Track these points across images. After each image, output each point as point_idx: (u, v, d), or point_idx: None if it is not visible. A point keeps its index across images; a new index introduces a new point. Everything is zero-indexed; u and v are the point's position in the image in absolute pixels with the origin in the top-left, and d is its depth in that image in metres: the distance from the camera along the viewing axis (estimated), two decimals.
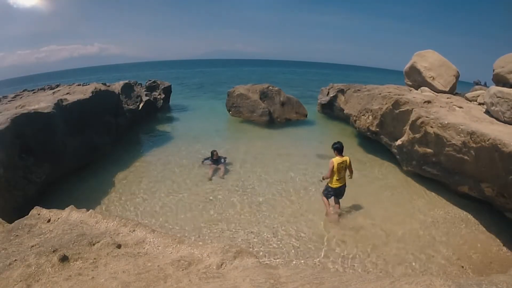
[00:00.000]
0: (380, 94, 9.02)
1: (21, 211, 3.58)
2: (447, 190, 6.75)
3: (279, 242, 5.12)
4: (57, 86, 11.01)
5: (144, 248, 2.48)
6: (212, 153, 8.23)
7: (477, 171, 5.56)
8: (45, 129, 6.63)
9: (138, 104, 12.96)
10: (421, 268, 4.59)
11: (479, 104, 7.63)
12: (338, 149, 5.43)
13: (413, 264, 4.67)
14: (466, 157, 5.72)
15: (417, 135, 7.06)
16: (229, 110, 13.82)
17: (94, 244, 2.41)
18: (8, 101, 8.68)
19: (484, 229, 5.54)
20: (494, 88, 6.36)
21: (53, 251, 2.22)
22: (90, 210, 3.03)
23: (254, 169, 8.06)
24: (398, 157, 8.13)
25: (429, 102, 7.47)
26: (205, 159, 8.33)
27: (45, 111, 6.75)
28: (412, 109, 7.38)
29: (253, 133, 11.70)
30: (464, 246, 5.11)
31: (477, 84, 9.86)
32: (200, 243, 2.51)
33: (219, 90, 22.95)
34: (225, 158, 8.41)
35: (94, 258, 2.23)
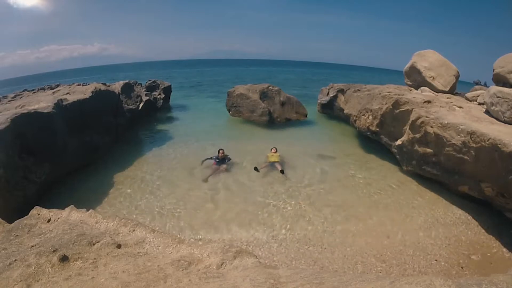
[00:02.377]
0: (380, 94, 9.02)
1: (21, 211, 3.58)
2: (447, 190, 6.76)
3: (279, 247, 5.13)
4: (57, 86, 11.01)
5: (144, 248, 2.48)
6: (218, 151, 8.31)
7: (477, 171, 5.56)
8: (45, 129, 6.63)
9: (138, 104, 12.96)
10: (421, 268, 4.60)
11: (479, 104, 7.62)
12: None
13: (413, 264, 4.67)
14: (466, 157, 5.72)
15: (417, 135, 7.06)
16: (229, 110, 13.81)
17: (94, 244, 2.40)
18: (8, 101, 8.67)
19: (484, 229, 5.54)
20: (494, 88, 6.36)
21: (53, 251, 2.21)
22: (90, 210, 3.03)
23: (253, 170, 8.06)
24: (398, 157, 8.13)
25: (429, 102, 7.46)
26: (208, 158, 8.32)
27: (45, 111, 6.75)
28: (412, 109, 7.37)
29: (253, 133, 11.71)
30: (464, 246, 5.11)
31: (477, 84, 9.85)
32: (200, 243, 2.51)
33: (219, 90, 22.95)
34: (229, 158, 8.44)
35: (94, 258, 2.23)
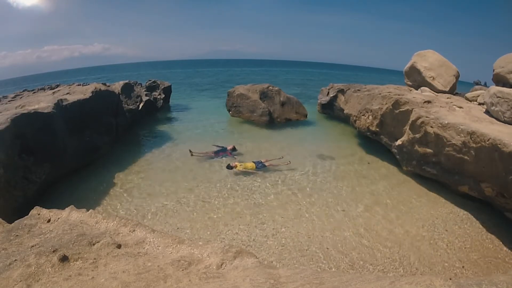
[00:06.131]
0: (380, 94, 9.03)
1: (21, 211, 3.58)
2: (447, 190, 6.76)
3: (279, 246, 5.12)
4: (57, 86, 11.01)
5: (144, 248, 2.47)
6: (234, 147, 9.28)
7: (477, 171, 5.56)
8: (45, 129, 6.63)
9: (138, 104, 12.96)
10: (421, 268, 4.60)
11: (479, 104, 7.63)
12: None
13: (413, 264, 4.67)
14: (466, 157, 5.72)
15: (417, 135, 7.06)
16: (229, 110, 13.81)
17: (94, 244, 2.40)
18: (8, 101, 8.68)
19: (484, 229, 5.54)
20: (494, 88, 6.37)
21: (53, 251, 2.21)
22: (90, 210, 3.03)
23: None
24: (398, 157, 8.13)
25: (429, 102, 7.47)
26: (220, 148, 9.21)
27: (45, 111, 6.75)
28: (412, 109, 7.38)
29: (253, 134, 11.70)
30: (464, 246, 5.11)
31: (477, 84, 9.86)
32: (200, 243, 2.50)
33: (219, 90, 22.97)
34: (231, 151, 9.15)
35: (94, 258, 2.22)
